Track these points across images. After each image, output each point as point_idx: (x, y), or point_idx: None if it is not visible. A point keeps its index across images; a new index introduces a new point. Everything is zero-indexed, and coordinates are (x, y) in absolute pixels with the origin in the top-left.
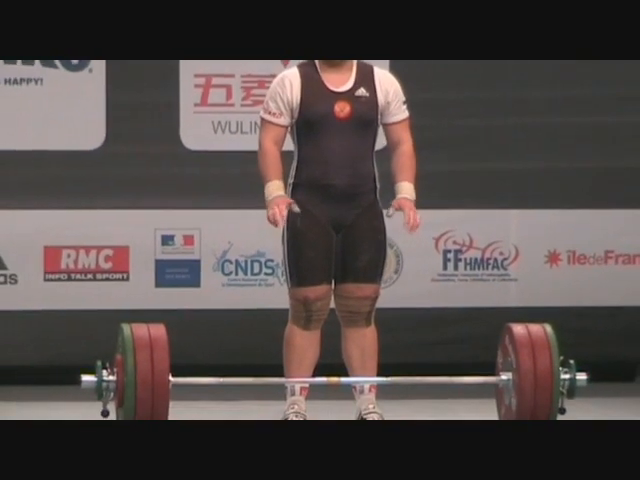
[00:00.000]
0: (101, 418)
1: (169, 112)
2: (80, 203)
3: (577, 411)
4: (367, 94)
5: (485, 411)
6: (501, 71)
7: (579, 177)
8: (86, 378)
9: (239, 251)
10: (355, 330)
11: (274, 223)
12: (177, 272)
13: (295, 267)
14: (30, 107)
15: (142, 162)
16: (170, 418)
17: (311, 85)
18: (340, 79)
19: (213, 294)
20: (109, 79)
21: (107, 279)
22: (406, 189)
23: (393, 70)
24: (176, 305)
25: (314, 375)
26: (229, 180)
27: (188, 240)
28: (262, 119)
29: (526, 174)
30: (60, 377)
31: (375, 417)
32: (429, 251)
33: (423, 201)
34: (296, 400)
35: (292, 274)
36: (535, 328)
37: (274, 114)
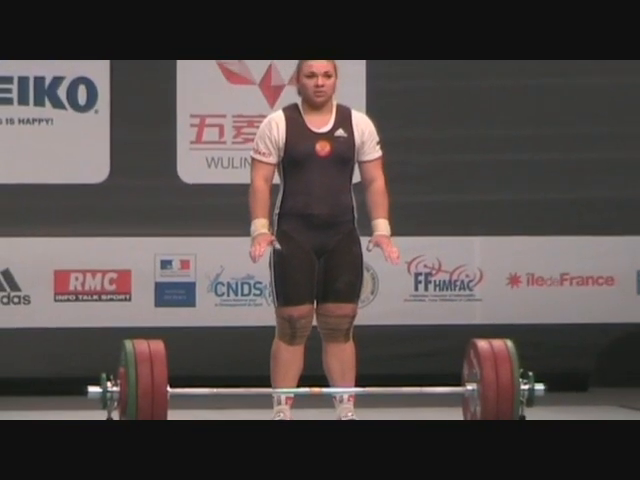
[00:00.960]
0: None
1: (167, 149)
2: (87, 231)
3: (535, 418)
4: (345, 135)
5: (452, 418)
6: (467, 111)
7: (537, 208)
8: (92, 389)
9: (230, 274)
10: (335, 345)
11: (252, 259)
12: (175, 293)
13: (281, 288)
14: (41, 144)
15: (143, 194)
16: None
17: (295, 126)
18: (321, 121)
19: (207, 313)
20: (113, 119)
21: (111, 300)
22: (381, 226)
23: (371, 111)
24: (174, 323)
25: (298, 385)
26: (221, 210)
27: (185, 264)
28: (253, 159)
29: (489, 205)
30: (68, 388)
31: None
32: (402, 274)
33: (397, 229)
34: (282, 409)
35: (278, 295)
36: (497, 343)
37: (264, 154)
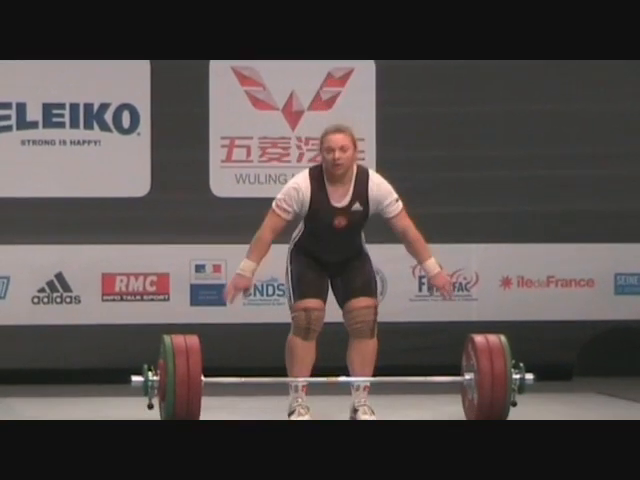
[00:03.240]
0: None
1: (201, 167)
2: (130, 239)
3: (526, 404)
4: (360, 208)
5: (452, 404)
6: (466, 135)
7: (526, 218)
8: (135, 378)
9: (257, 277)
10: (360, 340)
11: (225, 295)
12: (208, 294)
13: (297, 285)
14: (90, 163)
15: (180, 206)
16: (202, 409)
17: (318, 199)
18: (341, 194)
19: (236, 311)
20: (153, 141)
21: (152, 299)
22: (431, 265)
23: (382, 135)
24: (207, 320)
25: (310, 375)
26: (249, 221)
27: (216, 268)
28: (273, 210)
29: (485, 216)
30: (115, 377)
31: (365, 409)
32: (408, 277)
33: None
34: (299, 395)
35: (295, 291)
36: (492, 337)
37: (284, 210)
